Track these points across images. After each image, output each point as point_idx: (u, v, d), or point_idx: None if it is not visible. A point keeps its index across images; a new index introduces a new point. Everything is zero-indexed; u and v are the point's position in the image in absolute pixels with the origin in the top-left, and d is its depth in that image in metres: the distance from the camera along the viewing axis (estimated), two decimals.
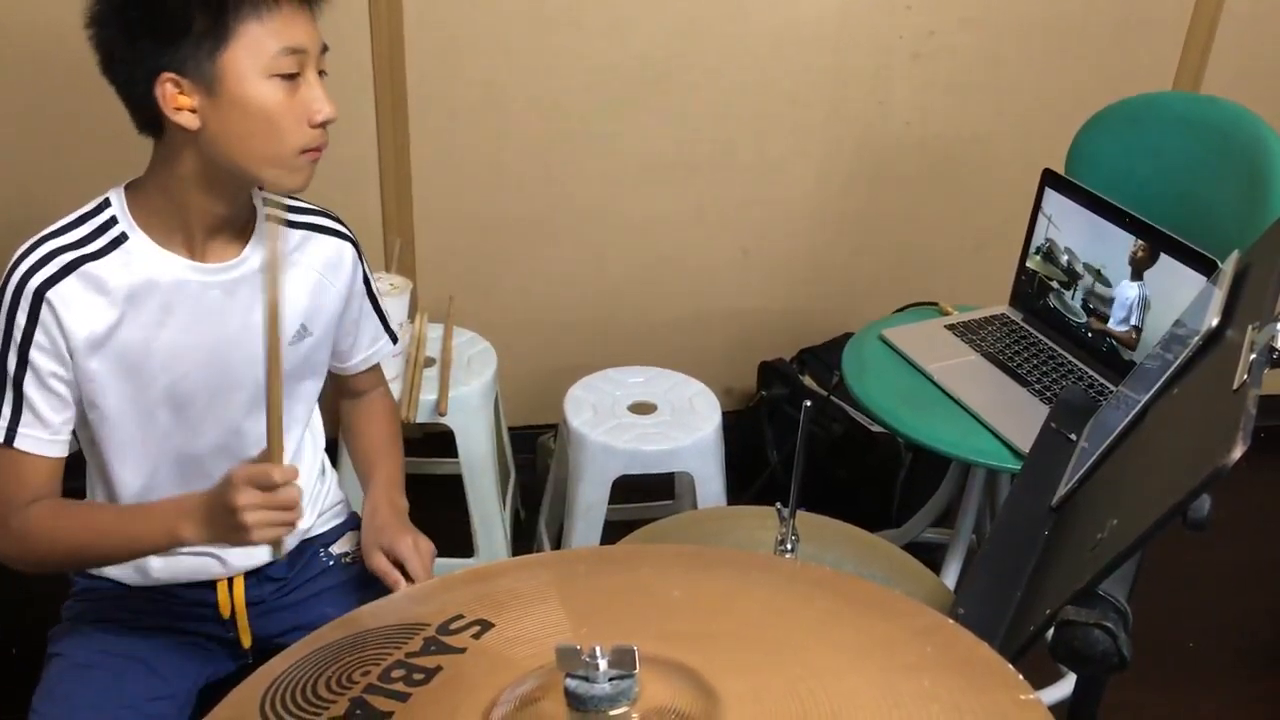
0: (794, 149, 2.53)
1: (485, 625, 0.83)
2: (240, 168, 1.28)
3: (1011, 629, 1.14)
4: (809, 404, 1.14)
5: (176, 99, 1.23)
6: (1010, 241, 2.14)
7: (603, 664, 0.71)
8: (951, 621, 0.85)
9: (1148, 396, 1.27)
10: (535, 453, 2.66)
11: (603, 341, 2.64)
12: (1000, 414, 1.77)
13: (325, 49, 1.32)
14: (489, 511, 2.30)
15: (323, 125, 1.29)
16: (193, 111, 1.24)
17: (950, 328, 2.02)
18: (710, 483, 2.21)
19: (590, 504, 2.18)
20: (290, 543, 1.54)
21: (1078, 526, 1.22)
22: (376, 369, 1.68)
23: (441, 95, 2.35)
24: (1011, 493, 1.34)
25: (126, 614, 1.49)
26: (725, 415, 2.21)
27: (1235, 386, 1.00)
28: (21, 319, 1.28)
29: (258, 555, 1.52)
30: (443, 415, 2.18)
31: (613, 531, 2.24)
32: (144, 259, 1.32)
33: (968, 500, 2.06)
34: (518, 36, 2.32)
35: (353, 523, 1.66)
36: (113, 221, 1.32)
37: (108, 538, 1.34)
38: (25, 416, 1.31)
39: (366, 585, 1.53)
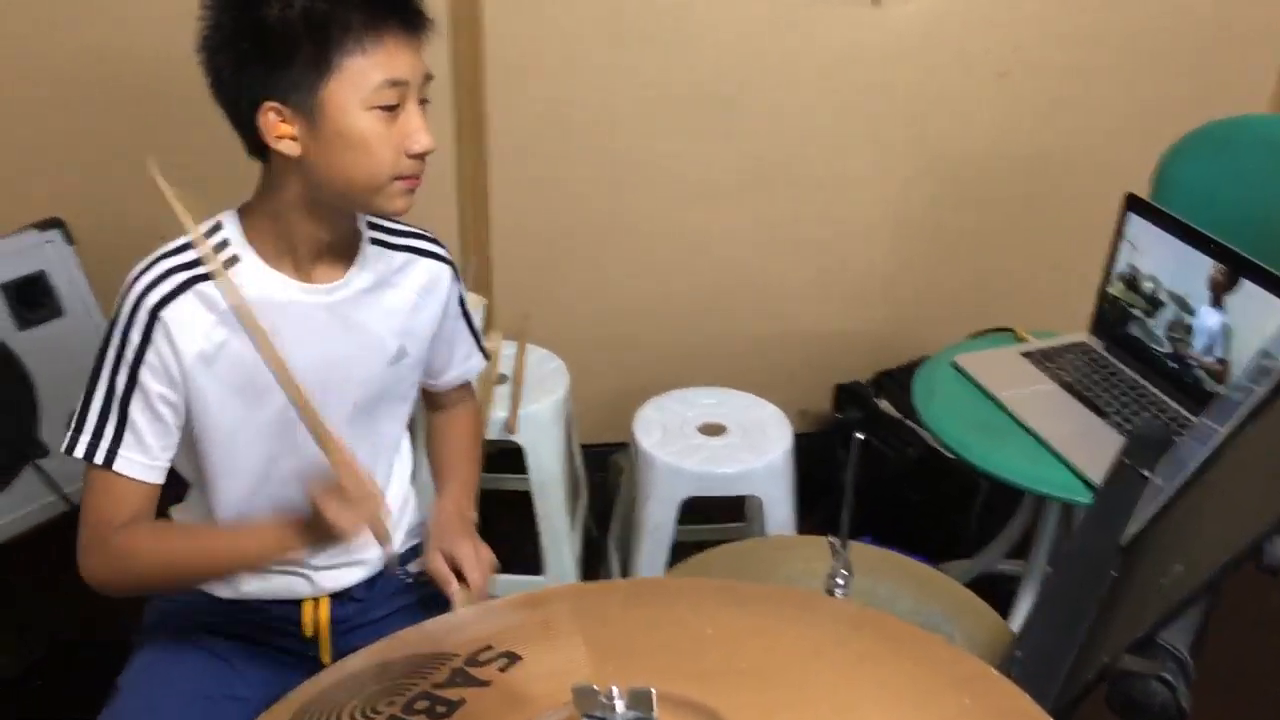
0: (873, 167, 2.50)
1: (513, 658, 0.82)
2: (339, 194, 1.30)
3: (1071, 675, 1.10)
4: (859, 436, 1.11)
5: (278, 127, 1.25)
6: (1096, 265, 2.08)
7: (620, 706, 0.70)
8: (994, 670, 0.82)
9: (1224, 432, 1.22)
10: (608, 470, 2.65)
11: (676, 360, 2.62)
12: (1075, 445, 1.72)
13: (429, 78, 1.33)
14: (558, 530, 2.30)
15: (420, 156, 1.31)
16: (294, 139, 1.26)
17: (1027, 355, 1.97)
18: (779, 507, 2.18)
19: (658, 524, 2.17)
20: (396, 543, 1.54)
21: (1145, 568, 1.17)
22: (466, 384, 1.69)
23: (518, 113, 2.37)
24: (1079, 529, 1.30)
25: (212, 619, 1.51)
26: (799, 438, 2.19)
27: None
28: (135, 337, 1.30)
29: (345, 577, 1.53)
30: (512, 433, 2.19)
31: (681, 552, 2.22)
32: (255, 279, 1.34)
33: (1041, 532, 2.01)
34: (590, 54, 2.33)
35: None
36: (225, 243, 1.34)
37: (216, 557, 1.37)
38: (127, 438, 1.32)
39: (442, 604, 1.53)
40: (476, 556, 1.48)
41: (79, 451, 1.32)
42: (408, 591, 1.60)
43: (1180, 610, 0.99)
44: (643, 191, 2.47)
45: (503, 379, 2.31)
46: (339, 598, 1.54)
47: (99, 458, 1.32)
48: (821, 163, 2.48)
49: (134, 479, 1.33)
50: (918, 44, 2.40)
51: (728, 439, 2.20)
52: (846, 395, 2.56)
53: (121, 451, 1.32)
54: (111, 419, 1.32)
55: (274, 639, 1.53)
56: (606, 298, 2.57)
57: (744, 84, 2.39)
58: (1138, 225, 1.89)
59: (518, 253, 2.51)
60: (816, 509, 2.54)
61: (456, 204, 2.44)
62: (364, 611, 1.57)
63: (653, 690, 0.69)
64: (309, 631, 1.53)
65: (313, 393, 1.39)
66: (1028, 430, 1.77)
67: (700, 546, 2.44)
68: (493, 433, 2.19)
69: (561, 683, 0.79)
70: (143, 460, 1.33)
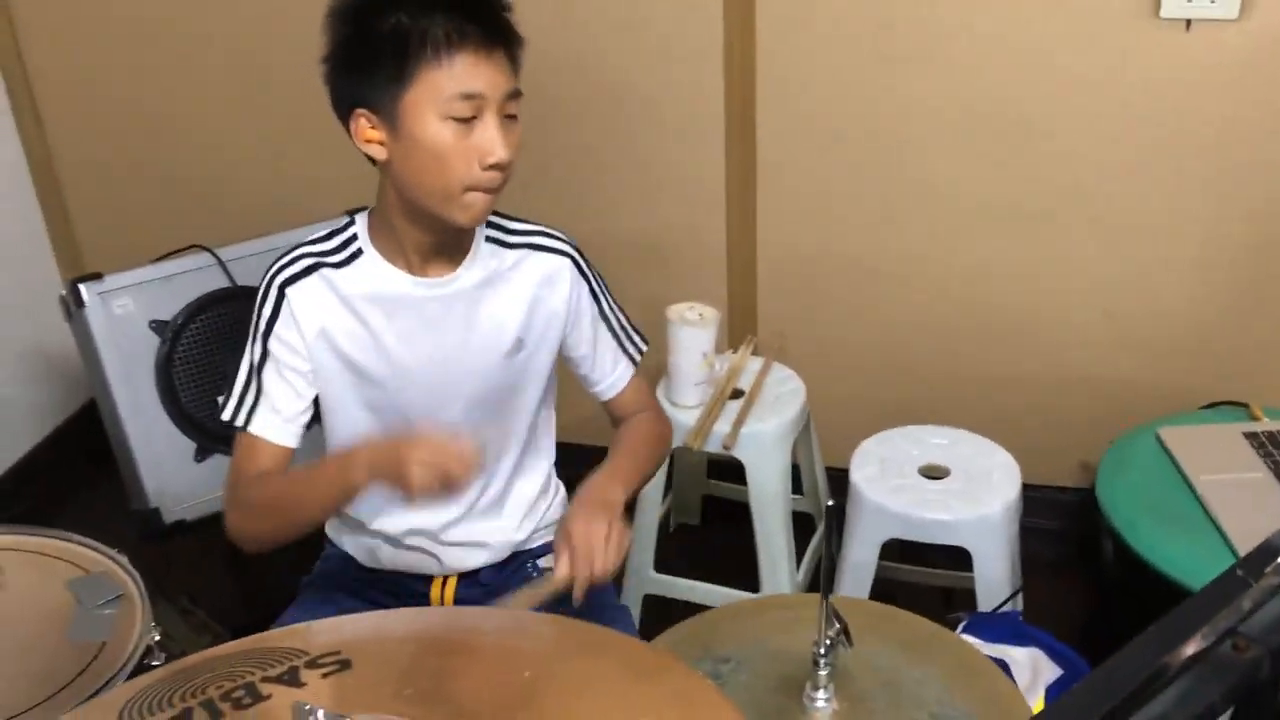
0: (1173, 205, 2.25)
1: (344, 667, 0.89)
2: (418, 200, 1.42)
3: None
4: (830, 504, 1.06)
5: (366, 132, 1.41)
6: None
7: None
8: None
9: None
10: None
11: (934, 393, 2.51)
12: None
13: (516, 94, 1.42)
14: (775, 549, 2.29)
15: (495, 168, 1.39)
16: (381, 145, 1.41)
17: (1249, 436, 1.70)
18: (993, 563, 2.05)
19: (859, 562, 2.11)
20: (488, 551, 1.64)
21: None
22: (635, 392, 1.71)
23: (789, 130, 2.37)
24: (1149, 631, 1.13)
25: (354, 586, 1.69)
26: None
27: None
28: (267, 311, 1.51)
29: (470, 558, 1.66)
30: (728, 449, 2.21)
31: (886, 589, 2.16)
32: (374, 272, 1.51)
33: None
34: (864, 73, 2.28)
35: None
36: (354, 238, 1.53)
37: (296, 488, 1.48)
38: (262, 402, 1.51)
39: (567, 601, 1.60)
40: (588, 539, 1.41)
41: (226, 415, 1.52)
42: (536, 583, 1.68)
43: None
44: (915, 216, 2.39)
45: (738, 394, 2.33)
46: (467, 579, 1.66)
47: (240, 420, 1.51)
48: (1115, 196, 2.27)
49: (266, 439, 1.51)
50: (1236, 74, 2.13)
51: (946, 484, 2.10)
52: None
53: (257, 414, 1.51)
54: (251, 385, 1.51)
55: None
56: (869, 322, 2.51)
57: (1031, 109, 2.24)
58: None
59: (782, 269, 2.51)
60: (1087, 563, 2.36)
61: (725, 218, 2.49)
62: (489, 596, 1.67)
63: None
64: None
65: (428, 382, 1.52)
66: (1214, 523, 1.54)
67: (911, 587, 2.36)
68: (712, 445, 2.23)
69: (353, 701, 0.85)
70: (275, 422, 1.51)
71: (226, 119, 2.67)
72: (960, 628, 1.63)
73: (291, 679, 0.88)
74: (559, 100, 2.43)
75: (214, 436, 2.31)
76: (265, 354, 1.51)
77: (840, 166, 2.38)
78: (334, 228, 1.54)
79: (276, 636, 0.95)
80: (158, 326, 2.25)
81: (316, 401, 1.55)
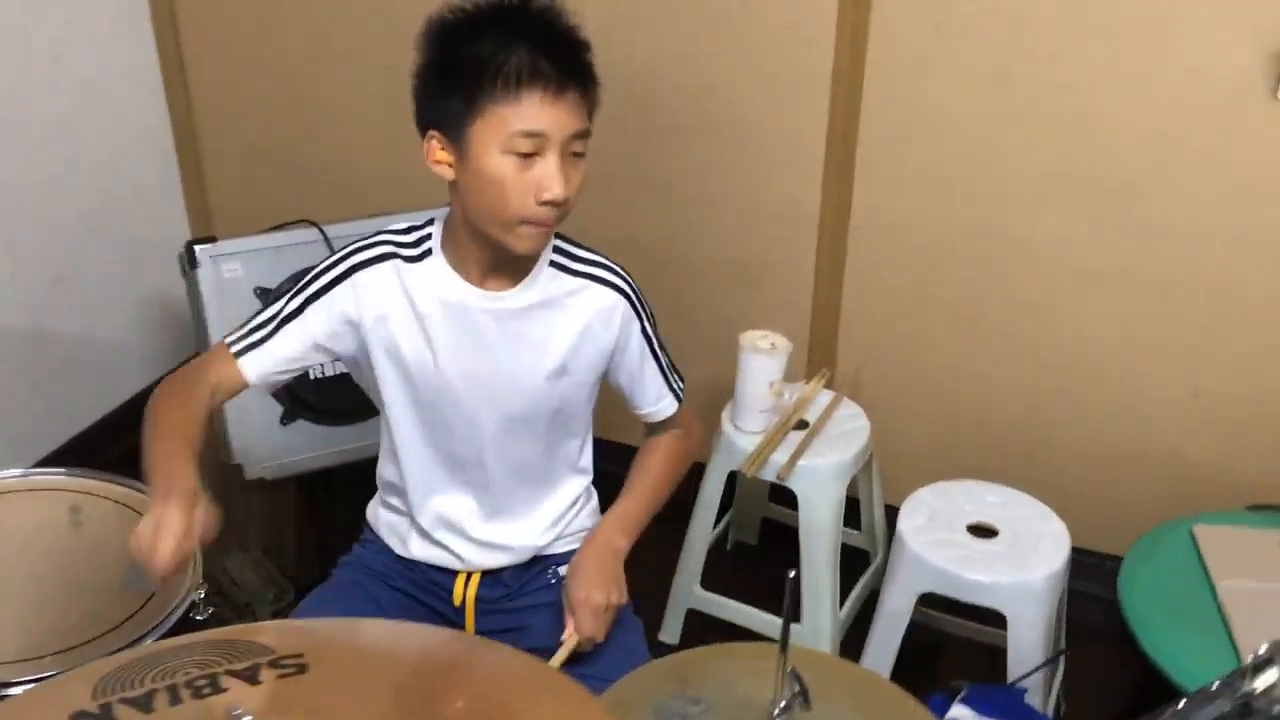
0: (1276, 291, 2.20)
1: (301, 670, 0.97)
2: (477, 223, 1.50)
3: None
4: (793, 574, 1.10)
5: (436, 153, 1.50)
6: None
7: None
8: None
9: None
10: None
11: (998, 448, 2.50)
12: None
13: (584, 134, 1.48)
14: (820, 582, 2.31)
15: (550, 204, 1.46)
16: (449, 166, 1.49)
17: None
18: (1028, 631, 2.03)
19: (894, 610, 2.12)
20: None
21: None
22: (674, 418, 1.78)
23: (888, 170, 2.38)
24: None
25: (386, 570, 1.78)
26: None
27: None
28: (325, 281, 1.57)
29: (490, 559, 1.74)
30: (782, 480, 2.24)
31: (932, 639, 2.17)
32: (438, 275, 1.59)
33: None
34: (973, 126, 2.27)
35: None
36: (428, 237, 1.61)
37: (149, 446, 1.45)
38: (265, 346, 1.54)
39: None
40: (586, 602, 1.58)
41: (229, 340, 1.56)
42: (553, 590, 1.74)
43: None
44: (1009, 273, 2.37)
45: (802, 425, 2.36)
46: (490, 577, 1.74)
47: (235, 347, 1.56)
48: (1215, 271, 2.22)
49: (239, 369, 1.54)
50: None
51: (991, 544, 2.09)
52: None
53: (251, 351, 1.55)
54: (266, 329, 1.56)
55: (430, 600, 1.77)
56: (948, 371, 2.50)
57: (1138, 177, 2.20)
58: None
59: (867, 308, 2.52)
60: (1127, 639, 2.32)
61: (815, 251, 2.51)
62: (509, 597, 1.75)
63: None
64: (457, 601, 1.74)
65: (467, 391, 1.59)
66: (1227, 631, 1.52)
67: (949, 639, 2.36)
68: (767, 474, 2.26)
69: (295, 706, 0.92)
70: (256, 365, 1.55)
71: (355, 108, 2.80)
72: (959, 697, 1.64)
73: (250, 676, 0.96)
74: (666, 126, 2.49)
75: (301, 403, 2.44)
76: (298, 314, 1.56)
77: (938, 215, 2.38)
78: (414, 223, 1.62)
79: (255, 630, 1.03)
80: (261, 293, 2.38)
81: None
